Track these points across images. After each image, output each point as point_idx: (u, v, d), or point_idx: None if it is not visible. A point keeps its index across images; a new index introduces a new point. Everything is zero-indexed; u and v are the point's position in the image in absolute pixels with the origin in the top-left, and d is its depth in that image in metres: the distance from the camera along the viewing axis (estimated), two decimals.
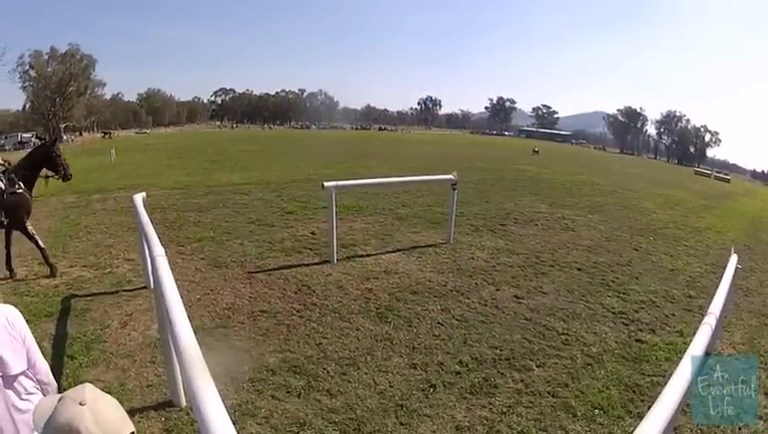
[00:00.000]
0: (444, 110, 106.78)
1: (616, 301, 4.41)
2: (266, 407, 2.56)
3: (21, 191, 4.49)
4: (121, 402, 2.68)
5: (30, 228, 4.56)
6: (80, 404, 0.81)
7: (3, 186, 4.48)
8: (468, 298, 4.27)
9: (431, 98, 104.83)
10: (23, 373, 1.36)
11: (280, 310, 3.85)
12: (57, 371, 2.84)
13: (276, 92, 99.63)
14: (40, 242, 4.56)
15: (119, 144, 31.17)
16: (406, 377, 2.92)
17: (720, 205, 13.82)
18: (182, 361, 1.43)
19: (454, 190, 6.02)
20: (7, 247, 4.57)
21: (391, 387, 2.80)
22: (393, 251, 5.70)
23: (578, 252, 6.10)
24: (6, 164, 4.68)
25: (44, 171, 4.70)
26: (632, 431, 1.23)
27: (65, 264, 4.91)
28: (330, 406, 2.60)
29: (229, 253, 5.38)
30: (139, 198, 3.94)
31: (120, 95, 76.36)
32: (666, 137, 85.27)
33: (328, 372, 2.94)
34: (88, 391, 0.85)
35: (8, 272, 4.51)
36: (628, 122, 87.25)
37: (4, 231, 4.54)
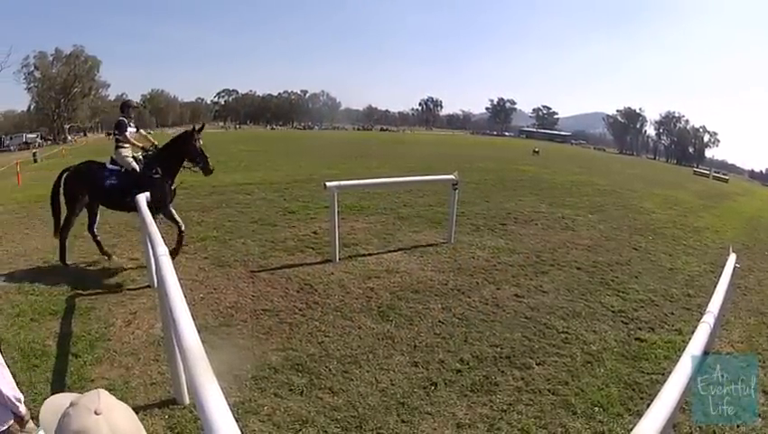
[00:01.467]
0: (446, 111, 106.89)
1: (616, 300, 4.43)
2: (268, 405, 2.57)
3: (158, 176, 4.53)
4: (125, 400, 2.71)
5: (173, 211, 4.69)
6: (95, 413, 0.78)
7: (138, 168, 4.58)
8: (469, 297, 4.29)
9: (432, 98, 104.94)
10: None
11: (282, 309, 3.87)
12: (61, 369, 2.86)
13: (279, 93, 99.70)
14: (181, 224, 4.69)
15: None
16: (407, 375, 2.94)
17: (719, 205, 13.83)
18: (186, 359, 1.44)
19: (454, 190, 6.04)
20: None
21: (393, 385, 2.82)
22: (394, 251, 5.72)
23: (578, 252, 6.13)
24: (153, 147, 4.80)
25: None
26: (632, 429, 1.24)
27: (70, 263, 4.91)
28: (332, 404, 2.62)
29: (232, 252, 5.39)
30: (143, 198, 3.96)
31: (124, 96, 76.15)
32: (665, 138, 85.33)
33: (330, 370, 2.96)
34: (103, 399, 0.81)
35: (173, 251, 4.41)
36: (627, 123, 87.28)
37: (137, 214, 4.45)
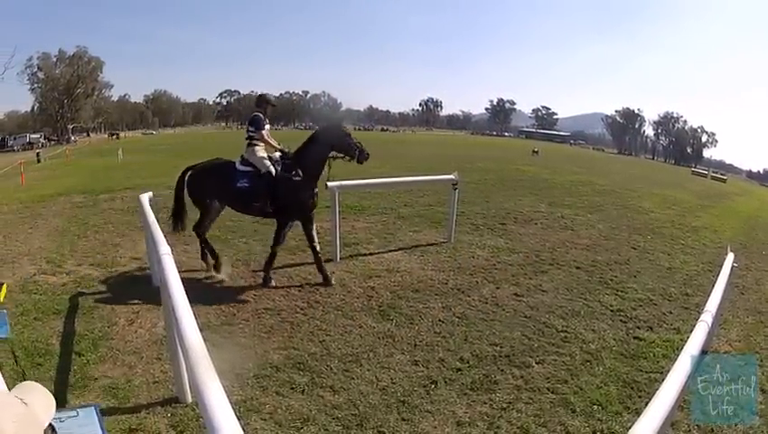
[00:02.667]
0: (446, 111, 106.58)
1: (614, 299, 4.45)
2: (270, 403, 2.59)
3: (298, 179, 4.07)
4: (128, 399, 2.71)
5: (313, 228, 4.27)
6: None
7: (274, 171, 4.10)
8: (469, 296, 4.31)
9: (432, 99, 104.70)
10: None
11: (284, 308, 3.89)
12: (65, 367, 2.88)
13: (281, 94, 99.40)
14: (317, 247, 4.25)
15: (126, 144, 31.15)
16: (407, 374, 2.96)
17: (717, 205, 13.87)
18: (188, 358, 1.45)
19: (454, 190, 6.06)
20: (278, 238, 4.26)
21: (393, 383, 2.84)
22: (395, 250, 5.74)
23: (577, 251, 6.15)
24: (286, 149, 4.31)
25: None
26: (631, 427, 1.25)
27: (73, 262, 4.94)
28: (333, 402, 2.63)
29: (234, 252, 5.41)
30: (146, 198, 3.97)
31: (127, 96, 76.51)
32: (663, 138, 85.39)
33: (331, 368, 2.98)
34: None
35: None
36: (626, 123, 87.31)
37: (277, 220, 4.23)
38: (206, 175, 4.33)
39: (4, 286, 1.79)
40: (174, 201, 4.51)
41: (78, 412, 1.22)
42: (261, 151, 4.22)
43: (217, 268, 4.44)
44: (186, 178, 4.38)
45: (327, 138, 4.26)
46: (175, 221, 4.50)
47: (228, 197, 4.28)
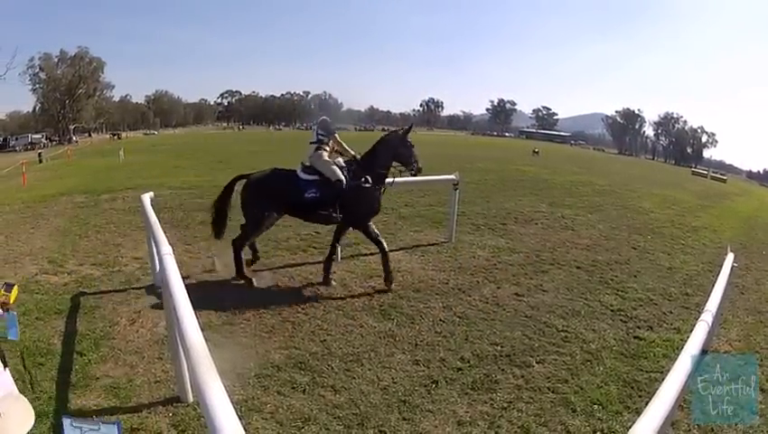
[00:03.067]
0: (447, 112, 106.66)
1: (615, 299, 4.46)
2: (271, 402, 2.60)
3: (368, 186, 4.04)
4: (129, 398, 2.73)
5: (373, 228, 4.18)
6: None
7: (344, 178, 4.00)
8: (469, 296, 4.32)
9: (433, 99, 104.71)
10: None
11: (285, 307, 3.89)
12: (66, 367, 2.88)
13: (282, 94, 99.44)
14: (383, 244, 4.16)
15: (128, 145, 31.16)
16: (408, 373, 2.96)
17: (716, 205, 13.88)
18: (190, 357, 1.46)
19: (455, 190, 6.07)
20: (334, 243, 4.25)
21: (394, 383, 2.85)
22: (396, 250, 5.73)
23: (578, 251, 6.16)
24: (357, 155, 4.21)
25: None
26: (631, 426, 1.26)
27: (74, 262, 4.95)
28: (334, 401, 2.64)
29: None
30: (147, 198, 3.98)
31: (128, 97, 76.68)
32: (663, 138, 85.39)
33: (332, 368, 2.99)
34: None
35: (330, 280, 4.25)
36: (626, 123, 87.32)
37: (338, 226, 4.18)
38: (267, 186, 4.14)
39: (15, 287, 1.79)
40: (218, 208, 4.34)
41: (100, 427, 1.23)
42: (326, 156, 4.11)
43: (248, 279, 4.30)
44: (245, 188, 4.20)
45: (392, 147, 4.26)
46: (218, 228, 4.34)
47: (290, 207, 4.14)
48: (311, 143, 4.18)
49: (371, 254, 5.53)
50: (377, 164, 4.15)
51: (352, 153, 4.21)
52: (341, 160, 4.18)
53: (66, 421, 1.25)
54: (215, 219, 4.33)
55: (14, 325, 1.76)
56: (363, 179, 4.04)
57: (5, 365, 1.45)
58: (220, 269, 4.60)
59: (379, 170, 4.14)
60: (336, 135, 4.15)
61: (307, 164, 4.16)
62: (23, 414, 0.81)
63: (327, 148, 4.11)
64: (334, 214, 4.02)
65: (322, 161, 4.05)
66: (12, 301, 1.79)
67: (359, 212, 4.10)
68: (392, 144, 4.27)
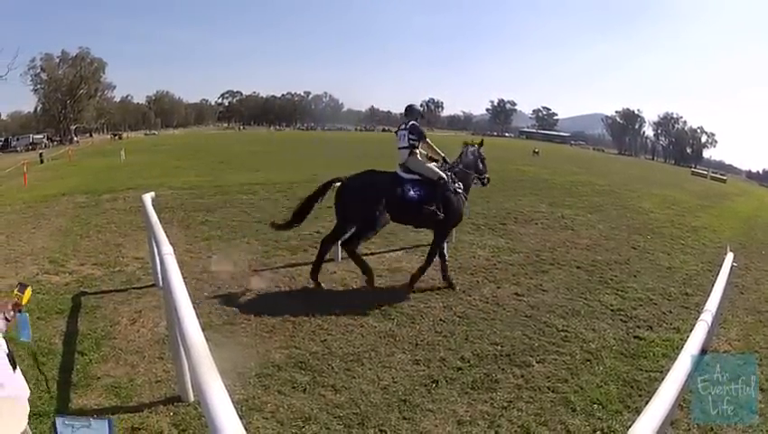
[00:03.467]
0: (447, 112, 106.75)
1: (614, 298, 4.47)
2: (272, 402, 2.60)
3: (460, 191, 4.30)
4: (130, 398, 2.73)
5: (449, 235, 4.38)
6: None
7: (445, 176, 4.22)
8: (469, 296, 4.33)
9: (433, 99, 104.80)
10: None
11: (286, 307, 3.89)
12: (68, 366, 2.89)
13: (282, 94, 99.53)
14: (445, 251, 4.42)
15: (129, 145, 31.20)
16: (409, 373, 2.97)
17: (716, 205, 13.90)
18: (191, 357, 1.46)
19: None
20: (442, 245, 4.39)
21: (394, 382, 2.85)
22: (396, 250, 5.77)
23: (577, 251, 6.17)
24: (445, 158, 4.45)
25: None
26: (631, 426, 1.26)
27: (76, 262, 4.96)
28: (335, 401, 2.65)
29: (236, 252, 5.43)
30: (148, 198, 3.99)
31: (130, 97, 76.58)
32: (663, 139, 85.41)
33: (333, 367, 2.99)
34: None
35: (448, 283, 4.36)
36: (626, 123, 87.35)
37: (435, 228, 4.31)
38: (373, 186, 4.18)
39: (29, 289, 1.79)
40: (304, 205, 4.33)
41: (91, 423, 1.24)
42: (422, 159, 4.26)
43: (315, 278, 4.36)
44: (342, 191, 4.19)
45: (475, 158, 4.60)
46: (294, 223, 4.34)
47: (395, 207, 4.18)
48: (400, 148, 4.29)
49: (372, 254, 5.55)
50: (462, 173, 4.43)
51: (442, 155, 4.45)
52: (433, 165, 4.33)
53: (59, 420, 1.26)
54: (297, 213, 4.32)
55: (26, 326, 1.77)
56: (457, 184, 4.28)
57: (15, 367, 1.45)
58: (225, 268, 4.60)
59: (465, 179, 4.44)
60: (428, 139, 4.33)
61: (405, 165, 4.28)
62: (10, 418, 0.81)
63: (421, 152, 4.29)
64: (439, 212, 4.13)
65: (419, 163, 4.22)
66: (24, 302, 1.79)
67: (457, 213, 4.28)
68: (475, 155, 4.61)
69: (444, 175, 4.21)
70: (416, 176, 4.20)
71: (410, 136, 4.23)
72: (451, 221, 4.34)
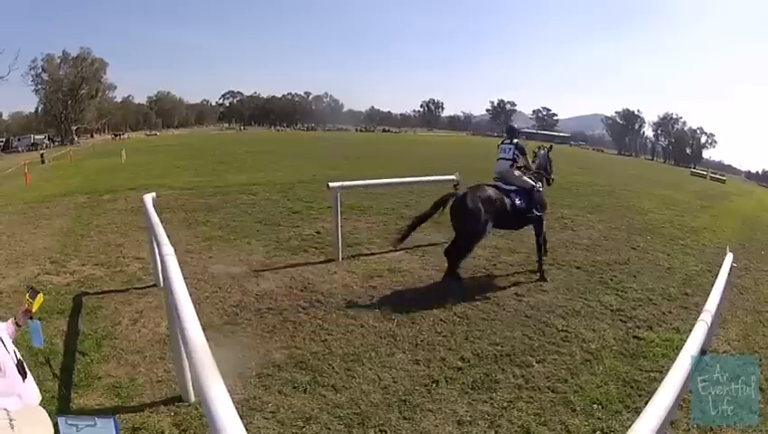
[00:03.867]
0: (447, 112, 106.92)
1: (614, 299, 4.47)
2: (272, 402, 2.61)
3: (542, 190, 4.97)
4: (131, 398, 2.73)
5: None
6: None
7: (533, 183, 4.86)
8: (470, 296, 4.32)
9: (434, 100, 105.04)
10: None
11: (286, 307, 3.91)
12: (69, 367, 2.90)
13: (283, 95, 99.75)
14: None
15: (130, 145, 31.26)
16: (409, 373, 2.98)
17: (716, 205, 13.89)
18: (191, 357, 1.46)
19: (456, 190, 6.07)
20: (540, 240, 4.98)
21: (395, 382, 2.86)
22: (396, 250, 5.75)
23: (577, 251, 6.18)
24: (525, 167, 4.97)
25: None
26: (630, 426, 1.26)
27: (77, 262, 4.97)
28: (335, 401, 2.65)
29: (236, 252, 5.45)
30: (149, 198, 3.99)
31: (131, 97, 76.89)
32: (663, 139, 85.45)
33: (333, 367, 3.00)
34: None
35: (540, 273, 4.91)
36: (626, 124, 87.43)
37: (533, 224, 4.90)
38: (490, 199, 4.46)
39: (41, 295, 1.78)
40: (416, 223, 4.59)
41: (96, 422, 1.23)
42: (519, 172, 4.87)
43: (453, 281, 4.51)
44: (459, 206, 4.36)
45: (544, 161, 5.27)
46: (404, 238, 4.61)
47: (502, 217, 4.57)
48: (502, 159, 4.91)
49: (372, 254, 5.56)
50: (541, 174, 5.15)
51: (533, 168, 5.13)
52: (518, 172, 4.89)
53: (61, 420, 1.25)
54: (409, 229, 4.59)
55: (38, 333, 1.76)
56: (539, 184, 4.93)
57: (25, 375, 1.44)
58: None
59: (542, 179, 5.17)
60: (527, 155, 5.01)
61: (503, 177, 4.85)
62: (39, 426, 0.80)
63: (520, 165, 4.92)
64: (537, 212, 4.80)
65: (516, 176, 4.82)
66: (34, 309, 1.77)
67: (545, 206, 5.02)
68: (546, 158, 5.30)
69: (535, 184, 4.84)
70: (515, 187, 4.74)
71: (516, 152, 4.89)
72: (544, 214, 5.02)
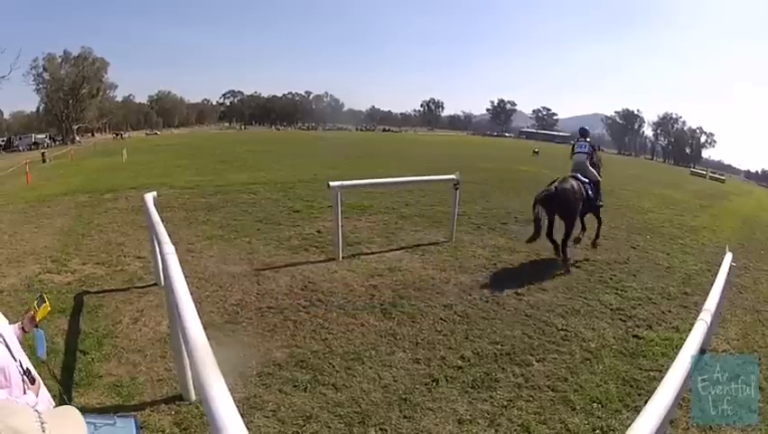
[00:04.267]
0: (447, 112, 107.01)
1: (614, 298, 4.48)
2: (273, 400, 2.62)
3: (601, 204, 5.92)
4: (132, 396, 2.73)
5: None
6: None
7: (599, 178, 5.81)
8: (470, 295, 4.34)
9: (434, 100, 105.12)
10: None
11: (287, 306, 3.91)
12: (70, 365, 2.90)
13: (284, 94, 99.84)
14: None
15: (131, 144, 31.23)
16: (409, 371, 2.98)
17: (715, 205, 13.91)
18: (192, 356, 1.45)
19: (456, 189, 6.09)
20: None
21: (395, 381, 2.87)
22: (397, 249, 5.77)
23: (577, 250, 6.17)
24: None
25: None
26: (630, 424, 1.27)
27: (78, 261, 4.97)
28: (335, 400, 2.66)
29: (237, 251, 5.45)
30: (150, 197, 3.98)
31: (132, 97, 76.95)
32: (662, 139, 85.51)
33: (333, 366, 3.01)
34: None
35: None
36: (625, 124, 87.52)
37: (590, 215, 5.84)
38: (579, 192, 5.31)
39: (46, 305, 1.74)
40: (536, 222, 5.14)
41: (115, 421, 1.22)
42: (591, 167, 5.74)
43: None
44: (556, 196, 5.15)
45: (597, 159, 6.03)
46: (537, 233, 5.13)
47: (583, 205, 5.44)
48: (579, 152, 5.85)
49: (372, 253, 5.57)
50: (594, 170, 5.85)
51: (599, 161, 6.00)
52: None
53: None
54: (536, 230, 5.13)
55: (41, 342, 1.73)
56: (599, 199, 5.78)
57: (33, 381, 1.40)
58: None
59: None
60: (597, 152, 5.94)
61: (581, 171, 5.66)
62: (70, 429, 0.79)
63: (594, 160, 5.84)
64: (600, 202, 5.78)
65: (590, 170, 5.71)
66: (39, 319, 1.74)
67: (599, 199, 5.85)
68: (596, 157, 6.00)
69: (600, 178, 5.71)
70: (588, 180, 5.54)
71: (590, 148, 5.86)
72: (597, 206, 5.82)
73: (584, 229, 5.99)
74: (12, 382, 1.30)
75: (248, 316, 3.71)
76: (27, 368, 1.39)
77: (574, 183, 5.30)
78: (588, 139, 5.95)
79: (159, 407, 2.54)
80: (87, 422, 1.17)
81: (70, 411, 0.82)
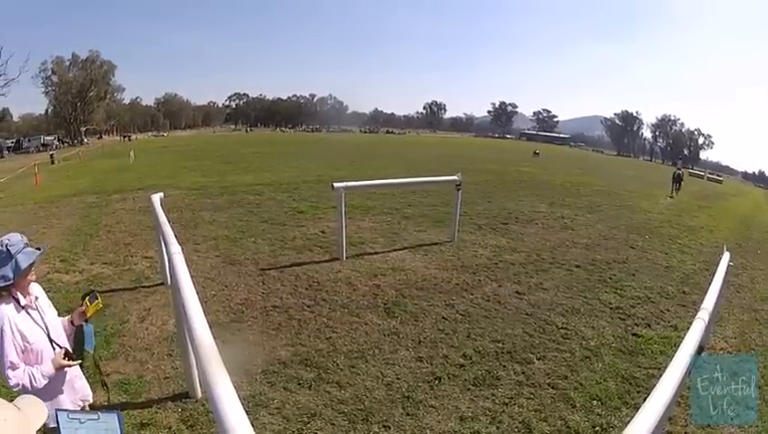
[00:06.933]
0: (449, 114, 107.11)
1: (613, 297, 4.52)
2: (278, 398, 2.65)
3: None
4: (139, 394, 2.76)
5: None
6: None
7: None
8: (471, 294, 4.38)
9: (436, 102, 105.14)
10: None
11: (291, 305, 3.95)
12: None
13: (288, 97, 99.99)
14: None
15: (138, 146, 31.23)
16: (412, 369, 3.01)
17: (713, 205, 13.95)
18: (198, 354, 1.47)
19: (458, 190, 6.13)
20: None
21: (398, 379, 2.90)
22: (400, 249, 5.80)
23: (577, 250, 6.23)
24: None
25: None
26: (629, 422, 1.29)
27: (86, 261, 5.01)
28: (339, 397, 2.69)
29: (242, 251, 5.49)
30: (157, 198, 4.01)
31: (139, 99, 76.95)
32: (661, 140, 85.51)
33: (337, 364, 3.04)
34: None
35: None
36: (625, 125, 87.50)
37: None
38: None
39: (97, 302, 1.81)
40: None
41: (99, 416, 1.25)
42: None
43: None
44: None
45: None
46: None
47: None
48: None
49: (376, 253, 5.61)
50: None
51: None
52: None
53: (61, 416, 1.23)
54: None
55: (90, 336, 1.82)
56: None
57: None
58: None
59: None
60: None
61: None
62: (38, 409, 0.88)
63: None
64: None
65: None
66: (89, 314, 1.83)
67: None
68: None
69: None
70: None
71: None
72: None
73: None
74: (44, 362, 1.58)
75: (253, 315, 3.74)
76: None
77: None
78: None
79: (166, 404, 2.57)
80: (71, 418, 1.20)
81: (34, 399, 0.90)
